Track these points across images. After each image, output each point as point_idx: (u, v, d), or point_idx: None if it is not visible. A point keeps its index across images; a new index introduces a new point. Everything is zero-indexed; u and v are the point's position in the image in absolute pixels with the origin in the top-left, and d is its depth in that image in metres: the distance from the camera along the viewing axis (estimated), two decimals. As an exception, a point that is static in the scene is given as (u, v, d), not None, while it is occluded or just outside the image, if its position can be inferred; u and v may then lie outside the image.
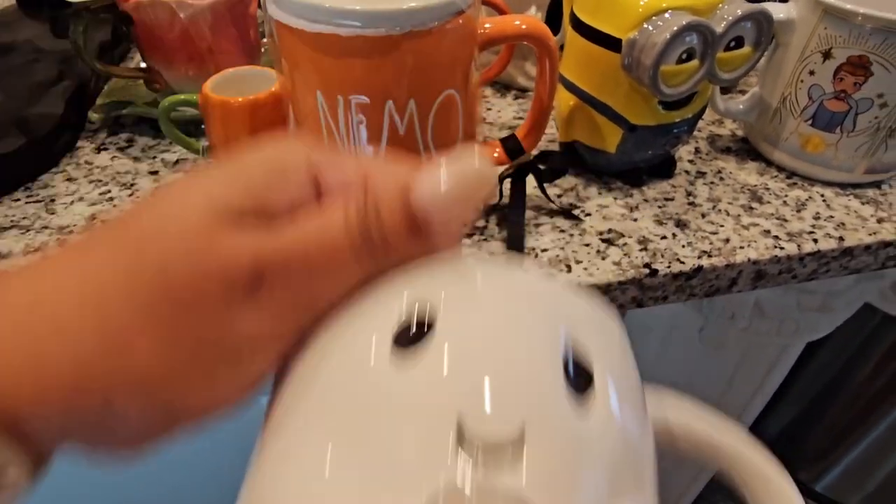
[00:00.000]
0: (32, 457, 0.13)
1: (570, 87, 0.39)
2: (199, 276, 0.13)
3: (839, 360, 1.02)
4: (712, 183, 0.41)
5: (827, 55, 0.37)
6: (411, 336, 0.14)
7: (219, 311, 0.14)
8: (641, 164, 0.40)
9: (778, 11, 0.38)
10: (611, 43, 0.34)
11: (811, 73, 0.38)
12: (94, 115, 0.43)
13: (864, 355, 0.98)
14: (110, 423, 0.14)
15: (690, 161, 0.44)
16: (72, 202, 0.39)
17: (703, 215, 0.39)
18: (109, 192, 0.40)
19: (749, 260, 0.36)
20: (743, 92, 0.52)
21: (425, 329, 0.14)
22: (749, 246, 0.36)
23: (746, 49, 0.35)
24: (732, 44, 0.34)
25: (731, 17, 0.33)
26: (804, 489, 1.20)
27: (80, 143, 0.44)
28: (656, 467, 0.16)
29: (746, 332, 0.55)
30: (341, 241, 0.14)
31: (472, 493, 0.12)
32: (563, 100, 0.40)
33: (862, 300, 0.55)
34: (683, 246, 0.36)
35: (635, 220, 0.38)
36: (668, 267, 0.35)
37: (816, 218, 0.39)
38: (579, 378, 0.14)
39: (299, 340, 0.15)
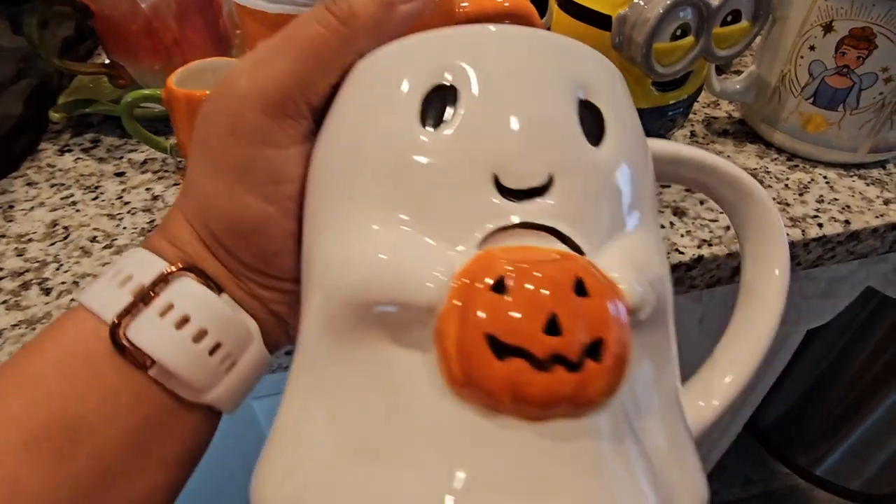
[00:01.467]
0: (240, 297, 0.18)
1: (558, 71, 0.36)
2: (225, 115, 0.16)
3: (838, 344, 1.01)
4: (710, 167, 0.39)
5: (828, 28, 0.35)
6: (437, 100, 0.15)
7: (245, 140, 0.16)
8: (635, 149, 0.38)
9: (775, -16, 0.36)
10: (600, 20, 0.32)
11: (811, 48, 0.36)
12: (55, 115, 0.41)
13: (864, 338, 0.96)
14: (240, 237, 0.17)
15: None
16: (32, 208, 0.36)
17: (702, 202, 0.37)
18: (72, 195, 0.37)
19: (752, 247, 0.34)
20: (739, 72, 0.50)
21: (448, 92, 0.15)
22: (751, 233, 0.34)
23: (744, 24, 0.33)
24: (729, 18, 0.32)
25: (727, -10, 0.31)
26: (805, 473, 1.19)
27: (42, 145, 0.42)
28: (655, 188, 0.19)
29: (747, 321, 0.53)
30: (314, 28, 0.16)
31: (516, 227, 0.14)
32: (551, 84, 0.38)
33: (865, 284, 0.54)
34: (682, 235, 0.34)
35: (631, 208, 0.36)
36: (668, 258, 0.33)
37: (820, 201, 0.37)
38: (592, 118, 0.16)
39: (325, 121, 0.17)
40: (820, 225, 0.35)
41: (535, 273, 0.13)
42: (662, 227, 0.35)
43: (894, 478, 1.13)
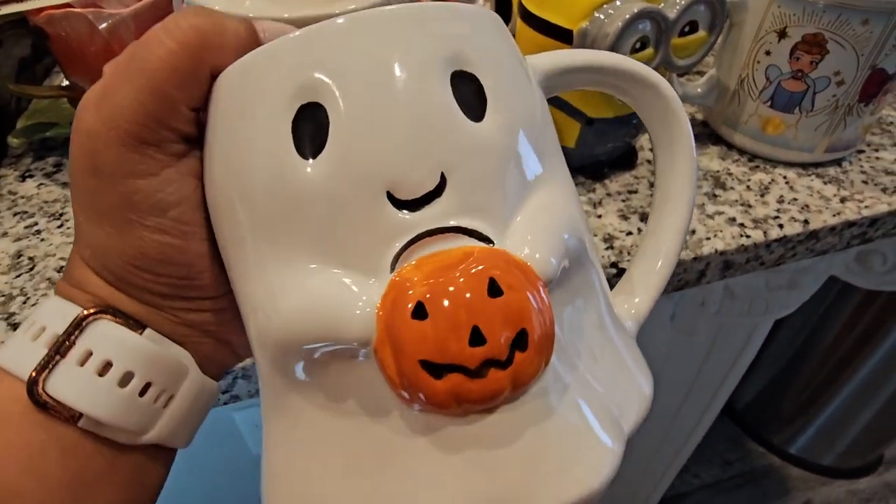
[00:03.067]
0: (173, 335, 0.17)
1: (524, 82, 0.37)
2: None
3: (806, 328, 1.04)
4: (675, 171, 0.40)
5: (782, 34, 0.36)
6: (307, 121, 0.14)
7: (109, 178, 0.15)
8: (602, 157, 0.39)
9: (730, -9, 0.37)
10: (561, 34, 0.33)
11: (767, 53, 0.37)
12: (14, 141, 0.40)
13: (828, 323, 1.00)
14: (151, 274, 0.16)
15: (651, 149, 0.43)
16: (-6, 239, 0.35)
17: (668, 206, 0.37)
18: (36, 224, 0.36)
19: (716, 251, 0.35)
20: (700, 73, 0.51)
21: (317, 109, 0.14)
22: (715, 236, 0.35)
23: (701, 34, 0.33)
24: (687, 29, 0.33)
25: (683, 2, 0.31)
26: (779, 452, 1.23)
27: (1, 171, 0.41)
28: (551, 123, 0.18)
29: (717, 315, 0.55)
30: (165, 46, 0.15)
31: (421, 236, 0.14)
32: (518, 95, 0.38)
33: (828, 274, 0.55)
34: (650, 241, 0.35)
35: (599, 216, 0.37)
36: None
37: (780, 202, 0.38)
38: (471, 91, 0.15)
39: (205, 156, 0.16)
40: (780, 226, 0.36)
41: (447, 290, 0.13)
42: (630, 233, 0.35)
43: (863, 452, 1.17)
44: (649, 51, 0.32)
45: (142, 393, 0.16)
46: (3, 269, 0.33)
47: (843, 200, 0.38)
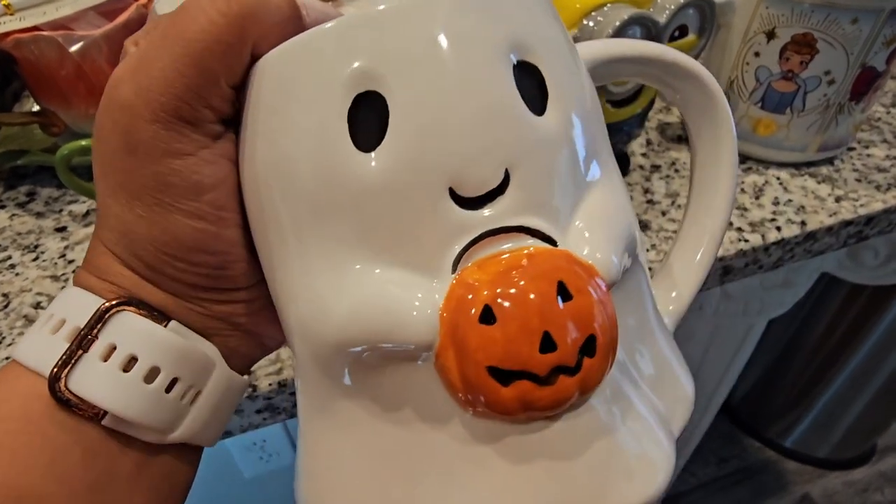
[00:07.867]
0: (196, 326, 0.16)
1: (513, 92, 0.36)
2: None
3: (794, 324, 1.05)
4: (668, 176, 0.40)
5: (771, 35, 0.36)
6: (364, 111, 0.14)
7: (145, 156, 0.14)
8: (594, 164, 0.38)
9: (717, -7, 0.36)
10: (551, 43, 0.32)
11: (756, 54, 0.37)
12: (-17, 170, 0.38)
13: (818, 315, 1.00)
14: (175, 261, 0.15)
15: (644, 154, 0.42)
16: (-35, 275, 0.34)
17: (664, 213, 0.37)
18: (10, 258, 0.35)
19: (716, 257, 0.34)
20: (686, 75, 0.51)
21: (374, 98, 0.14)
22: (714, 242, 0.35)
23: (691, 37, 0.33)
24: (676, 33, 0.32)
25: (673, 6, 0.31)
26: (774, 446, 1.24)
27: (-29, 203, 0.39)
28: (601, 112, 0.17)
29: (714, 317, 0.55)
30: (207, 15, 0.14)
31: (484, 236, 0.14)
32: (507, 105, 0.37)
33: (820, 271, 0.55)
34: (648, 249, 0.34)
35: (595, 225, 0.36)
36: (636, 275, 0.33)
37: (776, 203, 0.38)
38: (532, 82, 0.14)
39: (244, 142, 0.15)
40: (778, 228, 0.36)
41: (517, 293, 0.13)
42: (628, 242, 0.35)
43: (857, 442, 1.18)
44: (640, 57, 0.32)
45: (168, 389, 0.15)
46: (-24, 308, 0.32)
47: (837, 200, 0.38)
